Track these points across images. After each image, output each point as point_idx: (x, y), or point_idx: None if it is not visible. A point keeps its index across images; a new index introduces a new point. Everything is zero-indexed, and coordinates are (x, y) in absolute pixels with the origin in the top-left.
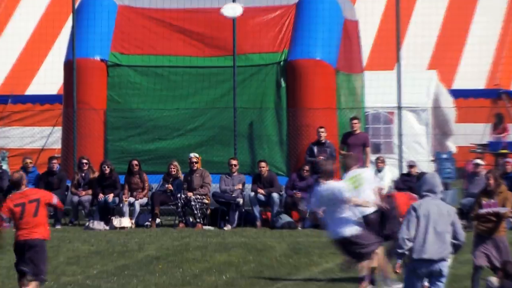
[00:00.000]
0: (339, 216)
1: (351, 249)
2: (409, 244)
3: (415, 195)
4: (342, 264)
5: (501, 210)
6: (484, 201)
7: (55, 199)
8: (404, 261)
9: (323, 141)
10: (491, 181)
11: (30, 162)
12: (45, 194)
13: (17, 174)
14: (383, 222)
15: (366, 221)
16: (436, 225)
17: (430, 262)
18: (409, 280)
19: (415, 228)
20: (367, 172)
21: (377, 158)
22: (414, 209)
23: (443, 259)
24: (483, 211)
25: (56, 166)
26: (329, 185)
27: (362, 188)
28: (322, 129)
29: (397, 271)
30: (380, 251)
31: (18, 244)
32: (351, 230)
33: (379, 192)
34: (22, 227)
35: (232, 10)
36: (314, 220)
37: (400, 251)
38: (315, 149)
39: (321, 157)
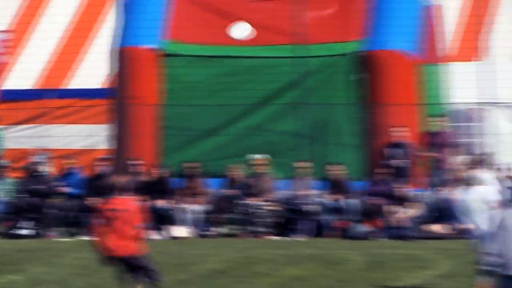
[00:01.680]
0: None
1: None
2: (494, 260)
3: None
4: None
5: None
6: None
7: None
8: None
9: (398, 142)
10: None
11: (69, 163)
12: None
13: (123, 177)
14: None
15: None
16: None
17: None
18: None
19: (500, 241)
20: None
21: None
22: (498, 219)
23: None
24: None
25: (104, 168)
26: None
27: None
28: (397, 129)
29: None
30: None
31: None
32: None
33: None
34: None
35: (240, 32)
36: None
37: (485, 268)
38: (390, 151)
39: (398, 161)
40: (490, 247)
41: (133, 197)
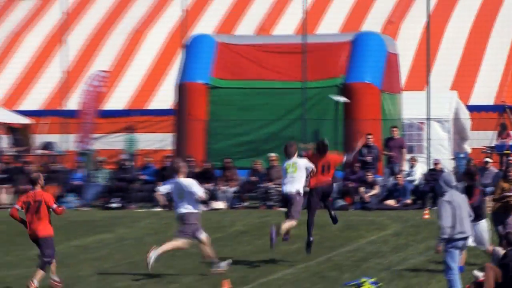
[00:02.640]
0: (185, 200)
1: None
2: (449, 231)
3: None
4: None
5: None
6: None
7: (54, 205)
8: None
9: (370, 144)
10: None
11: (149, 161)
12: (48, 198)
13: (35, 173)
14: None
15: (288, 199)
16: (462, 210)
17: (467, 238)
18: (453, 254)
19: (452, 216)
20: (302, 161)
21: (411, 157)
22: (449, 202)
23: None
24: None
25: (168, 162)
26: (182, 180)
27: (296, 173)
28: (370, 136)
29: (439, 249)
30: (205, 237)
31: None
32: (188, 210)
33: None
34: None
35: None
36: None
37: (444, 237)
38: (364, 150)
39: (368, 157)
40: (446, 221)
41: None
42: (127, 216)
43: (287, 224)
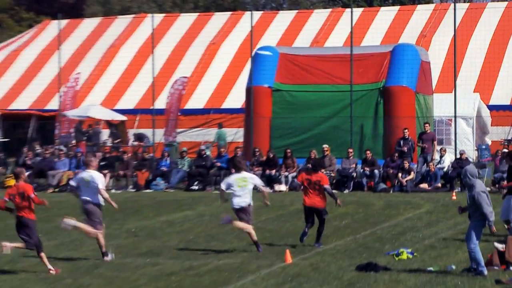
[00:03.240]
0: (90, 192)
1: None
2: (493, 214)
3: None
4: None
5: None
6: None
7: (32, 194)
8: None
9: (406, 137)
10: None
11: (224, 151)
12: (28, 189)
13: (18, 168)
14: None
15: (243, 210)
16: (488, 194)
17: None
18: (479, 229)
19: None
20: (251, 176)
21: (441, 148)
22: (483, 192)
23: None
24: None
25: (239, 152)
26: (90, 173)
27: (247, 187)
28: (406, 129)
29: (494, 230)
30: (100, 231)
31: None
32: (96, 200)
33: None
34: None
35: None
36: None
37: (492, 219)
38: (402, 142)
39: (405, 147)
40: (489, 207)
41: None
42: (205, 197)
43: (242, 225)
